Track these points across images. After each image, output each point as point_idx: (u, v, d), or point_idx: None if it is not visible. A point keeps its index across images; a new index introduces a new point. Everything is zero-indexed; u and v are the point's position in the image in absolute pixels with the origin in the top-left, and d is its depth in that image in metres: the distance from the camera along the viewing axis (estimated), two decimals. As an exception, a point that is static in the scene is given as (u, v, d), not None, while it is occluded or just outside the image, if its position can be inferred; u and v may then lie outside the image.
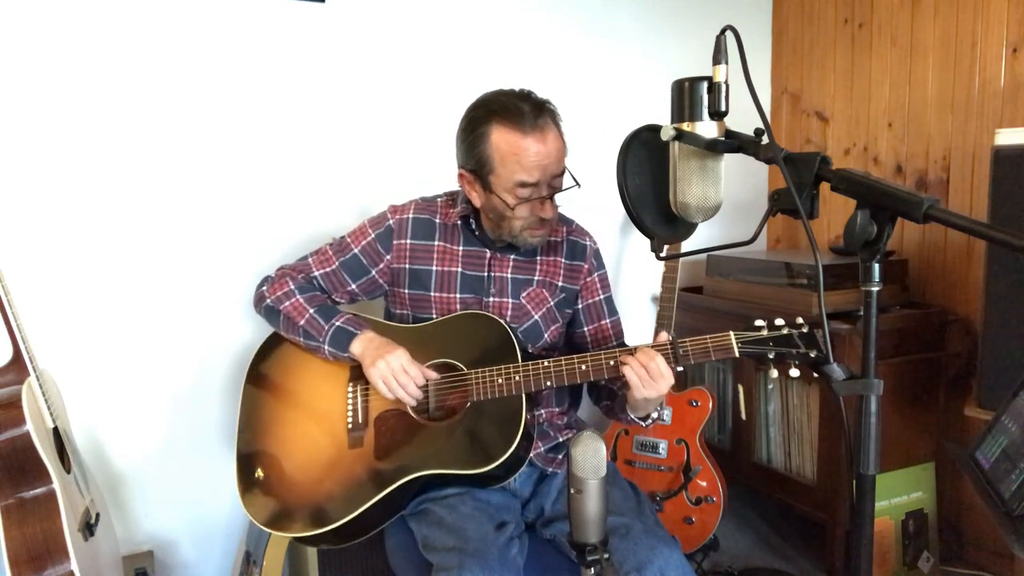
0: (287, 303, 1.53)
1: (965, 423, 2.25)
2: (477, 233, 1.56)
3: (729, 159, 1.01)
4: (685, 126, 1.01)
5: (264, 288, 1.59)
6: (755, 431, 2.46)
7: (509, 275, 1.57)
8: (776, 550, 2.43)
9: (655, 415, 1.50)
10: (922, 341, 2.23)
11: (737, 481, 2.48)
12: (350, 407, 1.50)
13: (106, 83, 1.86)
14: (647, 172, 1.11)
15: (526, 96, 1.43)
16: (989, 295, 1.78)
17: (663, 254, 1.13)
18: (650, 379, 1.33)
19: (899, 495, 2.19)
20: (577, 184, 1.47)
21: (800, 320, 1.33)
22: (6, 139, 1.78)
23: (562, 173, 1.45)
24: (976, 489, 1.45)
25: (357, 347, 1.46)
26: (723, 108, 0.99)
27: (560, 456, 1.58)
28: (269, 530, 1.46)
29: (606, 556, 1.04)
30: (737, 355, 1.34)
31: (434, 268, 1.55)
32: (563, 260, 1.60)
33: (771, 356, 1.32)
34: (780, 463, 2.40)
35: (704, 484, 2.25)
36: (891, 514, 2.18)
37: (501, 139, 1.40)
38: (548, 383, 1.40)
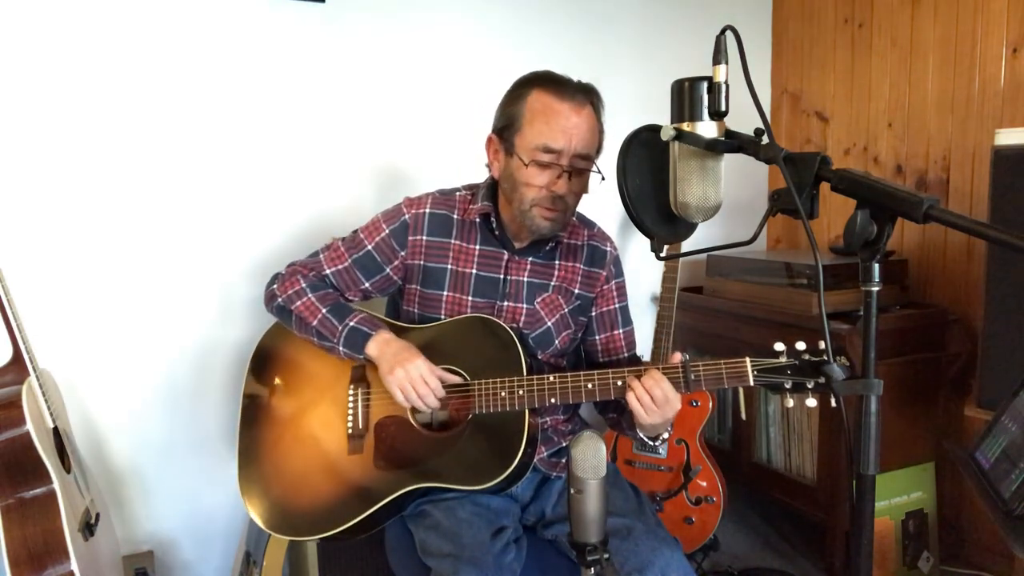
0: (298, 302, 1.48)
1: (965, 423, 2.25)
2: (496, 233, 1.51)
3: (729, 159, 1.01)
4: (685, 126, 1.01)
5: (275, 286, 1.54)
6: (755, 431, 2.46)
7: (525, 279, 1.52)
8: (776, 550, 2.43)
9: (665, 435, 1.46)
10: (922, 341, 2.23)
11: (737, 481, 2.48)
12: (351, 411, 1.49)
13: (107, 84, 1.86)
14: (647, 172, 1.11)
15: (575, 80, 1.43)
16: (989, 295, 1.78)
17: (663, 254, 1.13)
18: (655, 407, 1.29)
19: (899, 495, 2.19)
20: (601, 175, 1.43)
21: (822, 345, 1.24)
22: (6, 140, 1.78)
23: (587, 159, 1.41)
24: (976, 489, 1.45)
25: (373, 349, 1.42)
26: (723, 108, 0.99)
27: (563, 461, 1.56)
28: (271, 532, 1.45)
29: (606, 556, 1.04)
30: (752, 384, 1.27)
31: (448, 267, 1.50)
32: (582, 266, 1.55)
33: (787, 386, 1.25)
34: (780, 463, 2.40)
35: (704, 484, 2.25)
36: (891, 514, 2.18)
37: (537, 99, 1.39)
38: (552, 400, 1.36)
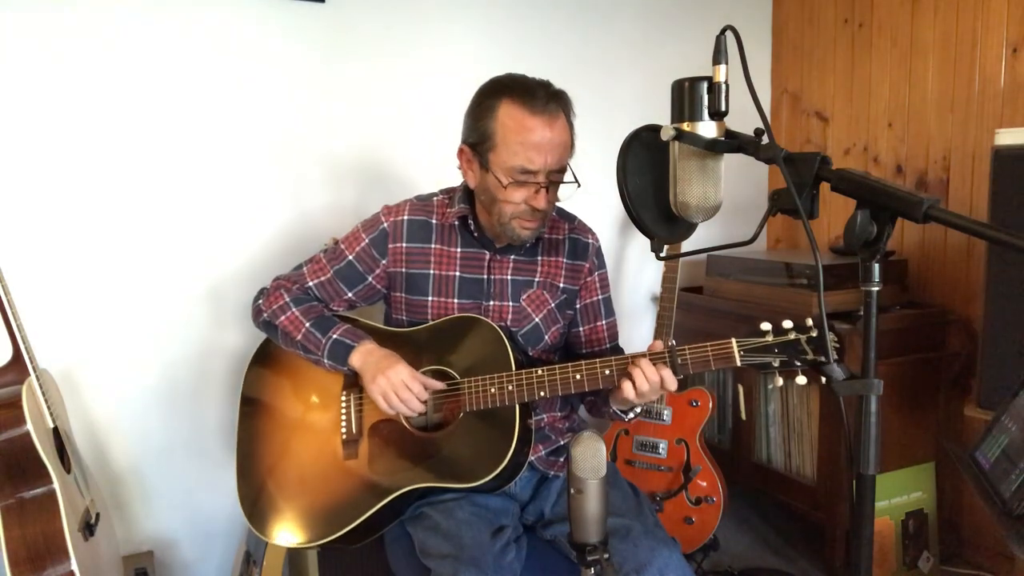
0: (283, 317, 1.50)
1: (965, 423, 2.25)
2: (476, 234, 1.51)
3: (729, 159, 1.01)
4: (685, 126, 1.01)
5: (260, 302, 1.56)
6: (755, 431, 2.46)
7: (509, 277, 1.53)
8: (776, 550, 2.43)
9: (638, 410, 1.48)
10: (922, 341, 2.23)
11: (737, 481, 2.48)
12: (344, 416, 1.49)
13: (107, 85, 1.86)
14: (647, 172, 1.10)
15: (543, 82, 1.40)
16: (989, 295, 1.78)
17: (663, 254, 1.13)
18: (649, 391, 1.30)
19: (899, 495, 2.19)
20: (577, 183, 1.43)
21: (809, 322, 1.24)
22: (6, 141, 1.78)
23: (563, 170, 1.41)
24: (976, 489, 1.45)
25: (357, 360, 1.44)
26: (723, 108, 0.99)
27: (561, 460, 1.57)
28: (270, 541, 1.46)
29: (606, 556, 1.04)
30: (739, 364, 1.26)
31: (431, 272, 1.51)
32: (564, 260, 1.56)
33: (775, 364, 1.24)
34: (780, 463, 2.40)
35: (704, 484, 2.25)
36: (891, 514, 2.18)
37: (508, 115, 1.36)
38: (542, 393, 1.36)
